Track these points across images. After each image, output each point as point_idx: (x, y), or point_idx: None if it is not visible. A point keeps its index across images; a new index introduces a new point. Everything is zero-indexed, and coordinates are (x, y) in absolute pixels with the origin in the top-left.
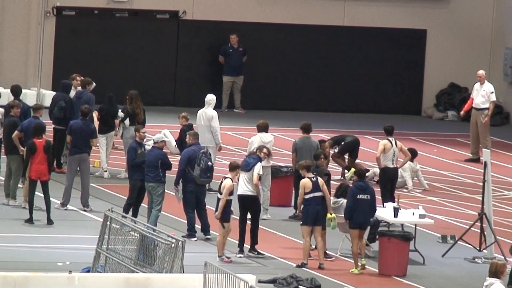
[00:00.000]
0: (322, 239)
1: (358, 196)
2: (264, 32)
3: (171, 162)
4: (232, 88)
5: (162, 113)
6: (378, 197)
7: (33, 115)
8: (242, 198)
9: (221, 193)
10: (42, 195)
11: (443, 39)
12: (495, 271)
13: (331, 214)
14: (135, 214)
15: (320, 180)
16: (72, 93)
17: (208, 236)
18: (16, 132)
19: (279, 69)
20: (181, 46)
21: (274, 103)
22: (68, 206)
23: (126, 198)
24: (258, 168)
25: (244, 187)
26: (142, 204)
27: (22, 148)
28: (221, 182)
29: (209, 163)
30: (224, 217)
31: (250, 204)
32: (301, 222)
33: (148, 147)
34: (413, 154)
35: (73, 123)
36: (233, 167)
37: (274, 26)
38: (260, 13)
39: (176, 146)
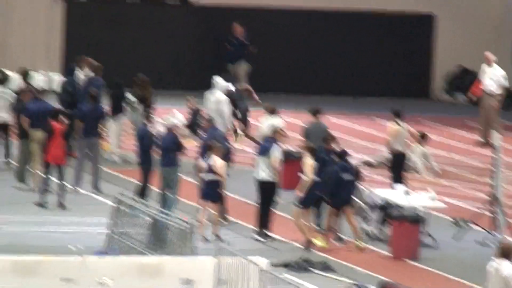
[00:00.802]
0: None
1: (343, 177)
2: (274, 17)
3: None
4: (238, 75)
5: (171, 97)
6: (388, 180)
7: (38, 98)
8: (261, 183)
9: (212, 172)
10: (55, 179)
11: (452, 22)
12: (507, 253)
13: None
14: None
15: None
16: (82, 77)
17: (225, 222)
18: (23, 117)
19: (288, 53)
20: (191, 32)
21: (283, 86)
22: (79, 190)
23: (140, 182)
24: (276, 152)
25: (262, 173)
26: (155, 189)
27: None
28: (203, 163)
29: (229, 147)
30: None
31: (268, 189)
32: (302, 205)
33: (159, 130)
34: (424, 138)
35: (82, 107)
36: (212, 147)
37: (284, 11)
38: None
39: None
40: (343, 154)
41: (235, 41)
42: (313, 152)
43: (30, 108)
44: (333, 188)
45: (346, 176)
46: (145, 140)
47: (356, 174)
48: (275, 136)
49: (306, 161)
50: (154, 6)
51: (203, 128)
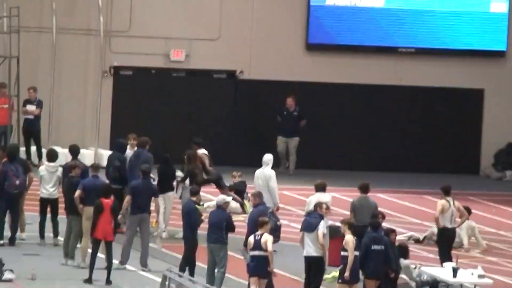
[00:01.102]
0: None
1: (372, 247)
2: (320, 92)
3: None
4: (287, 149)
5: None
6: (436, 257)
7: (92, 174)
8: (308, 260)
9: (260, 249)
10: (103, 255)
11: (501, 98)
12: None
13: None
14: (192, 274)
15: None
16: (130, 153)
17: None
18: (77, 191)
19: (335, 128)
20: (239, 106)
21: (330, 162)
22: (127, 266)
23: (186, 258)
24: (322, 227)
25: (309, 249)
26: (201, 265)
27: (81, 207)
28: (251, 239)
29: (278, 223)
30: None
31: (315, 265)
32: (344, 281)
33: (206, 205)
34: (468, 212)
35: (134, 183)
36: (262, 223)
37: (330, 86)
38: (316, 73)
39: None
40: (375, 225)
41: (284, 113)
42: (353, 227)
43: (83, 184)
44: (363, 258)
45: (375, 247)
46: (191, 216)
47: (404, 250)
48: (319, 210)
49: (347, 237)
50: (201, 79)
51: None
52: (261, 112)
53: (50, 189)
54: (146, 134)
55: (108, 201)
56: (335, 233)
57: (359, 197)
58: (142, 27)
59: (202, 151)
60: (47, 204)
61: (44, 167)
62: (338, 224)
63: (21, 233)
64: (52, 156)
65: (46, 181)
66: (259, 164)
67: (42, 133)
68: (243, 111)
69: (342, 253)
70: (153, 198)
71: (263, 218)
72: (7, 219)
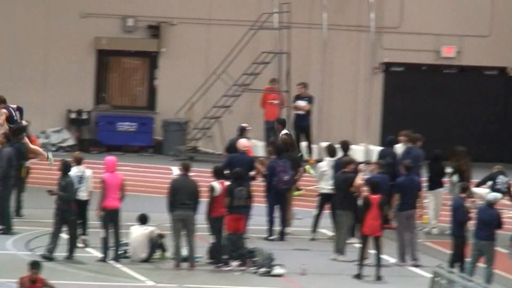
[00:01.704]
0: None
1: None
2: None
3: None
4: None
5: (487, 169)
6: None
7: (379, 172)
8: None
9: None
10: (372, 251)
11: None
12: None
13: None
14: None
15: None
16: (401, 149)
17: None
18: (356, 183)
19: None
20: (509, 103)
21: None
22: (403, 263)
23: (454, 254)
24: None
25: None
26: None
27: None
28: None
29: None
30: None
31: None
32: None
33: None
34: None
35: (399, 180)
36: None
37: None
38: None
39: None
40: None
41: None
42: None
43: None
44: None
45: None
46: (459, 212)
47: None
48: None
49: None
50: (472, 76)
51: None
52: None
53: (331, 185)
54: (415, 131)
55: (375, 197)
56: None
57: None
58: (413, 23)
59: (284, 132)
60: (326, 200)
61: (326, 163)
62: None
63: (287, 227)
64: (333, 151)
65: (327, 177)
66: None
67: (312, 129)
68: None
69: None
70: (419, 193)
71: None
72: (277, 214)
